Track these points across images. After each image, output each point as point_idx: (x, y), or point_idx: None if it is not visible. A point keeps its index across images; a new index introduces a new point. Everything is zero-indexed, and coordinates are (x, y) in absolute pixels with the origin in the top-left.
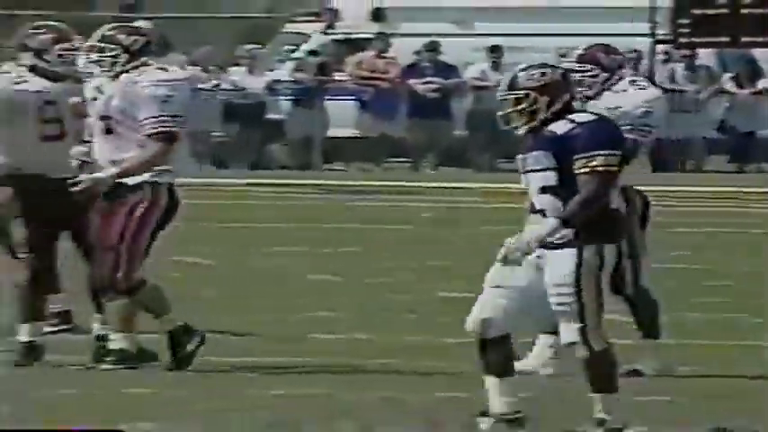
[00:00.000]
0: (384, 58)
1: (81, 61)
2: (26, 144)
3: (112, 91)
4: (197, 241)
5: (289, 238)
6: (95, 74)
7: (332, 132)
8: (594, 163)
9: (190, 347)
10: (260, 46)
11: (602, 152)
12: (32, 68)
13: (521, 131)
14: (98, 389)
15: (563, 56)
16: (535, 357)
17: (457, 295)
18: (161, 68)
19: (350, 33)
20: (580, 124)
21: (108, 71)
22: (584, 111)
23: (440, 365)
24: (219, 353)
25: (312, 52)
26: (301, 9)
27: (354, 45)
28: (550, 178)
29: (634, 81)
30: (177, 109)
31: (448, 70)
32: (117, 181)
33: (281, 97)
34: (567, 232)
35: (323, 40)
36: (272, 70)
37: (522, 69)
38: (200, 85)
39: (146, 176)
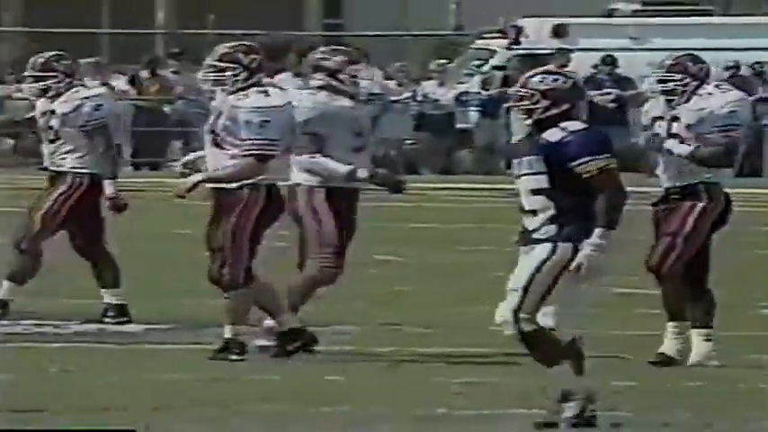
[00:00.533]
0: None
1: (199, 79)
2: (340, 156)
3: (221, 109)
4: (391, 241)
5: (474, 237)
6: (217, 91)
7: (515, 140)
8: (590, 168)
9: (231, 358)
10: (450, 61)
11: (594, 158)
12: (324, 87)
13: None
14: (302, 375)
15: (729, 68)
16: (697, 351)
17: (634, 291)
18: (262, 92)
19: (532, 49)
20: (571, 132)
21: (229, 89)
22: (578, 120)
23: (617, 356)
24: (410, 343)
25: (498, 67)
26: (488, 27)
27: (536, 59)
28: (542, 181)
29: (719, 85)
30: (274, 133)
31: (624, 82)
32: (216, 186)
33: (469, 108)
34: (551, 228)
35: (508, 55)
36: (460, 83)
37: (541, 72)
38: (394, 98)
39: (245, 180)
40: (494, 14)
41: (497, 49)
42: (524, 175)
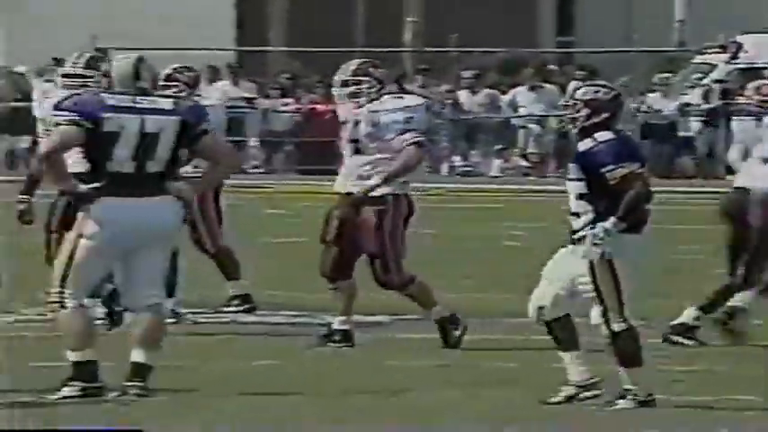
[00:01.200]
0: None
1: (336, 92)
2: None
3: (359, 118)
4: None
5: (694, 237)
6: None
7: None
8: (617, 174)
9: (456, 333)
10: (673, 74)
11: (619, 165)
12: None
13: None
14: (457, 362)
15: None
16: None
17: None
18: (397, 96)
19: (750, 63)
20: (600, 142)
21: (364, 100)
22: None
23: None
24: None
25: (718, 80)
26: (709, 43)
27: (755, 73)
28: (582, 187)
29: None
30: (420, 128)
31: None
32: (363, 193)
33: (691, 118)
34: (587, 228)
35: (727, 69)
36: (683, 95)
37: (589, 85)
38: None
39: (387, 189)
40: (715, 31)
41: (717, 63)
42: (570, 180)
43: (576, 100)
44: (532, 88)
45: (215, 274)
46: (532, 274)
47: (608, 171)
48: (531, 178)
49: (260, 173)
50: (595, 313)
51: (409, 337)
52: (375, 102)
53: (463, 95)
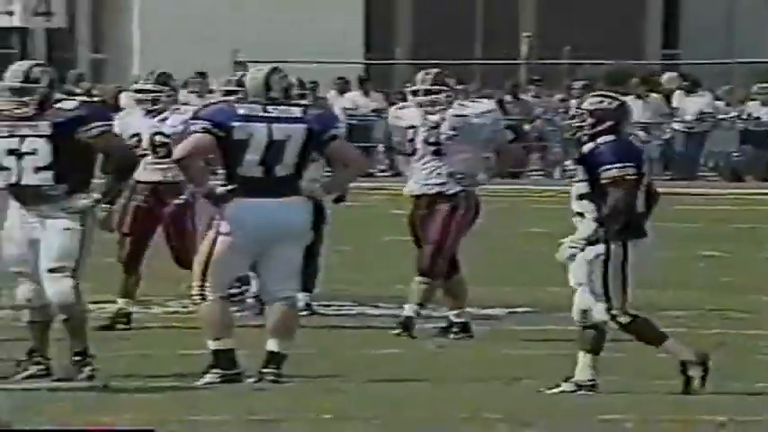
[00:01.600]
0: None
1: (416, 101)
2: None
3: (438, 122)
4: (718, 238)
5: None
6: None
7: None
8: (609, 174)
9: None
10: None
11: (614, 165)
12: None
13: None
14: (570, 352)
15: None
16: None
17: None
18: (474, 102)
19: None
20: (600, 144)
21: (441, 108)
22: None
23: None
24: (734, 326)
25: None
26: None
27: None
28: (584, 187)
29: None
30: (503, 128)
31: None
32: (437, 191)
33: None
34: (599, 229)
35: None
36: None
37: (597, 95)
38: (722, 116)
39: (459, 188)
40: None
41: None
42: (575, 182)
43: (583, 110)
44: (639, 97)
45: (344, 269)
46: None
47: (602, 171)
48: None
49: (386, 176)
50: (599, 308)
51: (524, 329)
52: (453, 108)
53: (575, 105)
